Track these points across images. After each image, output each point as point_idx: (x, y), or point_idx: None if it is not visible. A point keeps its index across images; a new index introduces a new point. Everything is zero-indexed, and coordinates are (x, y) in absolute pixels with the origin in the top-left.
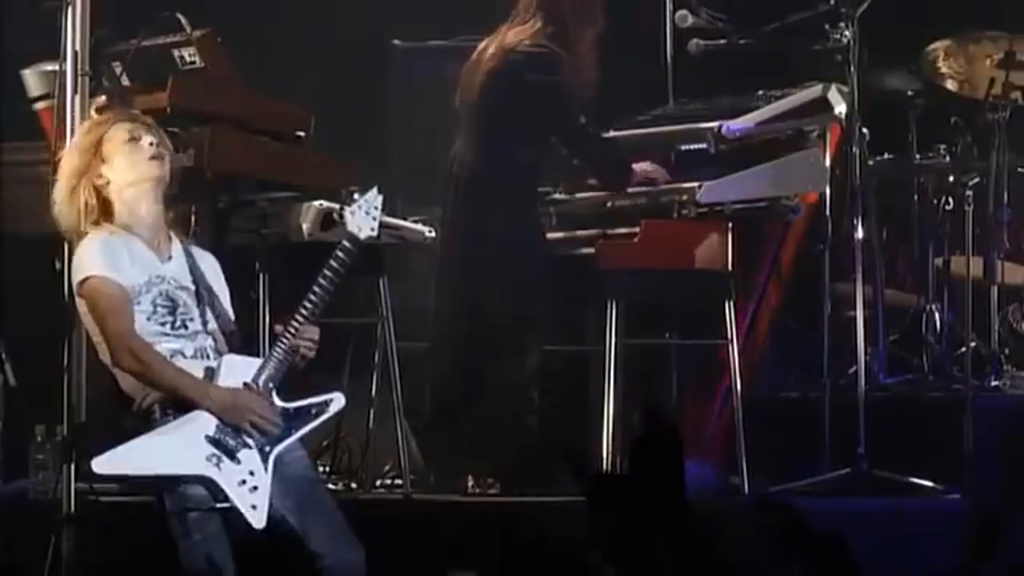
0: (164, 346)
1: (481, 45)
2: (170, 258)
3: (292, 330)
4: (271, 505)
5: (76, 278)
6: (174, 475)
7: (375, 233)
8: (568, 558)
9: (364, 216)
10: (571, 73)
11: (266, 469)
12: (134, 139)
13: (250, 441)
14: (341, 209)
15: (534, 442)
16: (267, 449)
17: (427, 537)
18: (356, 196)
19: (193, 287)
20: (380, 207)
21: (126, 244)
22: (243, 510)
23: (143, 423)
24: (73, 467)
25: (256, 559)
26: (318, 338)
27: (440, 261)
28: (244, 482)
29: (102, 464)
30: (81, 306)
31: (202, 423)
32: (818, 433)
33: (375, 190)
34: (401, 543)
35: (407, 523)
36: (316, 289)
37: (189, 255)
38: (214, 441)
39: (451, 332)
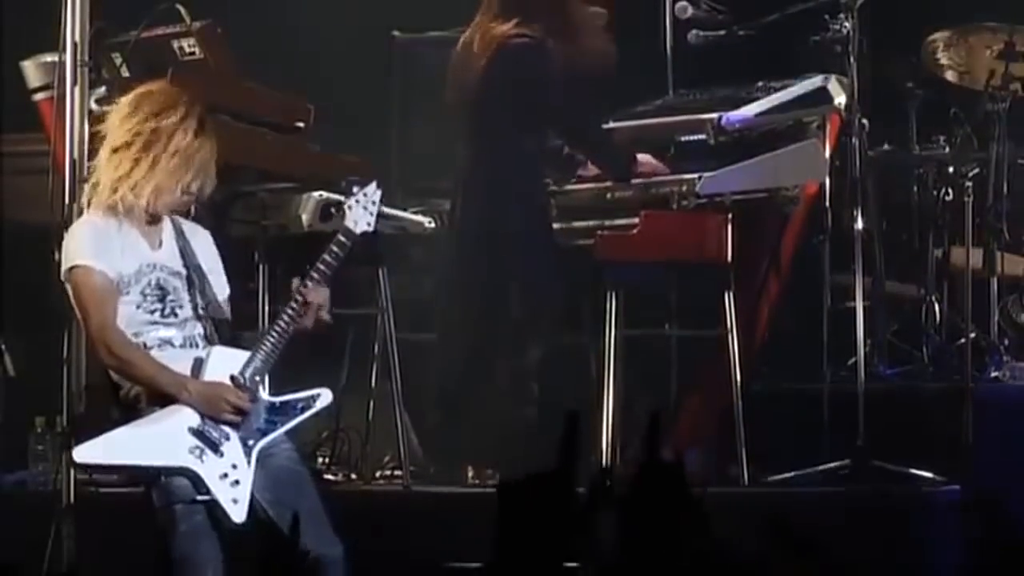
0: (153, 335)
1: (464, 37)
2: (161, 243)
3: (280, 326)
4: (254, 497)
5: (64, 264)
6: (156, 466)
7: (371, 228)
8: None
9: (362, 211)
10: (560, 61)
11: (249, 463)
12: (184, 187)
13: (234, 434)
14: (340, 203)
15: (534, 433)
16: (251, 443)
17: (427, 528)
18: (356, 189)
19: (184, 271)
20: (378, 202)
21: (119, 231)
22: (224, 504)
23: (130, 412)
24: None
25: (243, 550)
26: (324, 301)
27: (447, 254)
28: (226, 475)
29: (84, 453)
30: (68, 290)
31: (187, 415)
32: (818, 424)
33: (373, 184)
34: (401, 534)
35: (407, 514)
36: (307, 283)
37: (181, 235)
38: (198, 433)
39: (456, 324)
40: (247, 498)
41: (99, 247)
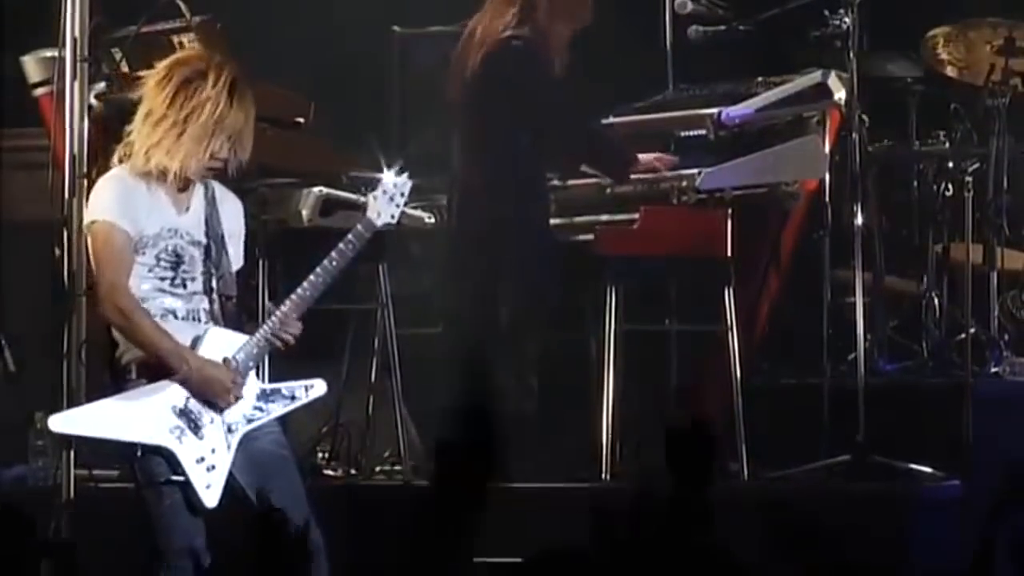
0: (158, 303)
1: (466, 32)
2: (188, 208)
3: (283, 311)
4: (235, 478)
5: (88, 216)
6: (133, 442)
7: (395, 220)
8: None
9: (387, 202)
10: (555, 63)
11: (228, 447)
12: (214, 152)
13: (218, 418)
14: (364, 192)
15: (534, 428)
16: (234, 428)
17: (426, 523)
18: (387, 179)
19: (204, 240)
20: (407, 194)
21: (148, 191)
22: (197, 487)
23: (119, 380)
24: (72, 453)
25: (226, 529)
26: (298, 332)
27: (446, 250)
28: (203, 459)
29: (59, 422)
30: (87, 241)
31: (172, 394)
32: (817, 419)
33: (405, 176)
34: (400, 529)
35: (407, 509)
36: (319, 271)
37: (211, 202)
38: (181, 413)
39: (456, 320)
40: (221, 484)
41: (125, 204)
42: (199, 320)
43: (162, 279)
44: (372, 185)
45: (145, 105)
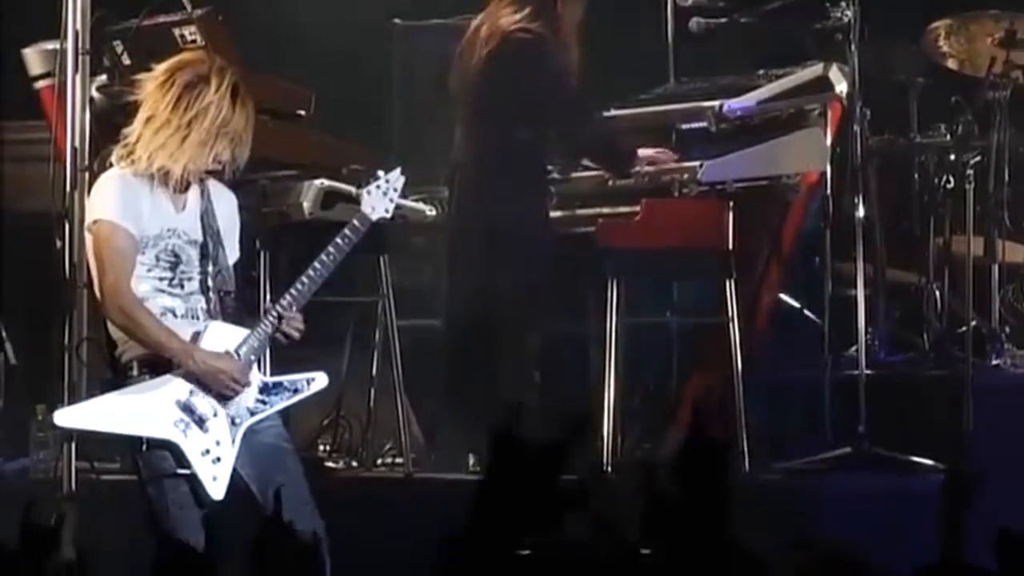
0: (157, 302)
1: (474, 24)
2: (185, 206)
3: (283, 305)
4: (237, 471)
5: (89, 215)
6: (137, 436)
7: (389, 215)
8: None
9: (381, 197)
10: (562, 56)
11: (233, 441)
12: (216, 155)
13: (221, 410)
14: (359, 186)
15: (535, 421)
16: (238, 421)
17: (428, 516)
18: (380, 174)
19: (201, 238)
20: (400, 189)
21: (149, 190)
22: (204, 480)
23: (121, 377)
24: (74, 446)
25: (229, 523)
26: (302, 326)
27: (447, 243)
28: (208, 451)
29: (65, 416)
30: (88, 240)
31: (175, 388)
32: (819, 412)
33: (397, 171)
34: (402, 521)
35: (408, 501)
36: (316, 266)
37: (207, 199)
38: (184, 407)
39: (457, 312)
40: (227, 475)
41: (127, 204)
42: (197, 318)
43: (161, 279)
44: (367, 179)
45: (147, 108)
